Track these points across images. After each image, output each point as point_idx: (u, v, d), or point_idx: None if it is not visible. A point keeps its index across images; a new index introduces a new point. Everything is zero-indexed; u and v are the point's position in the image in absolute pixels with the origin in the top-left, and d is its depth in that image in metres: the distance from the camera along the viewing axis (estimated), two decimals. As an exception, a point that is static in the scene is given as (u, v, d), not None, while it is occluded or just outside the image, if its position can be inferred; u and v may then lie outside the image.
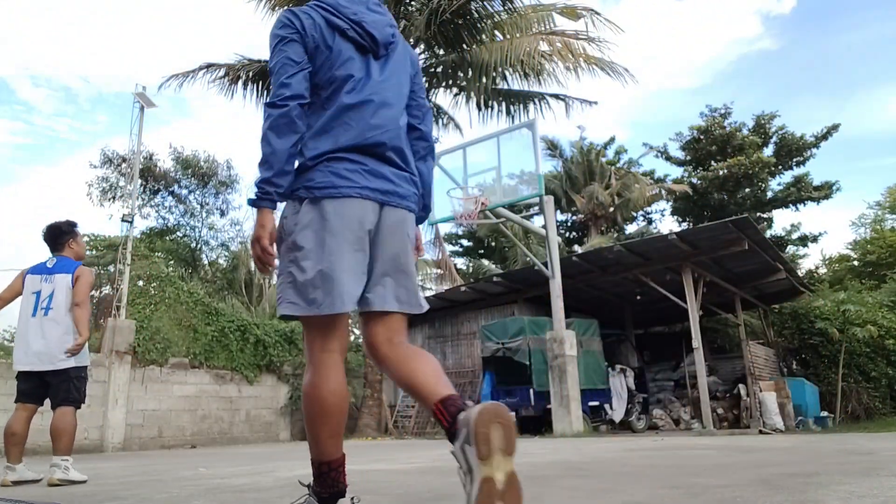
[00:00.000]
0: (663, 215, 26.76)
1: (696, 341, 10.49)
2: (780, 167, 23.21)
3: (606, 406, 11.01)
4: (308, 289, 1.64)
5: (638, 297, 13.17)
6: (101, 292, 11.43)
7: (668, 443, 6.17)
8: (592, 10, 12.28)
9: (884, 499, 1.88)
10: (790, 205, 23.42)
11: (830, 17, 56.45)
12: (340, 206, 1.67)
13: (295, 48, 1.74)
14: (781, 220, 26.14)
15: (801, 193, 22.91)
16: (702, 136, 23.50)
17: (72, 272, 4.15)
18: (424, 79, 14.09)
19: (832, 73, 54.97)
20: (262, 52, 17.53)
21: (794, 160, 23.40)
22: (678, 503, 2.01)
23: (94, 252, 17.34)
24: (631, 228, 25.75)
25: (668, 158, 25.31)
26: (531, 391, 10.34)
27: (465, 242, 27.30)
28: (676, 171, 25.60)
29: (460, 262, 26.04)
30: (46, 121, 54.19)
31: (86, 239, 17.55)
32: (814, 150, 23.16)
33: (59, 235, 4.29)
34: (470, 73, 12.74)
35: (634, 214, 25.22)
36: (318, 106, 1.76)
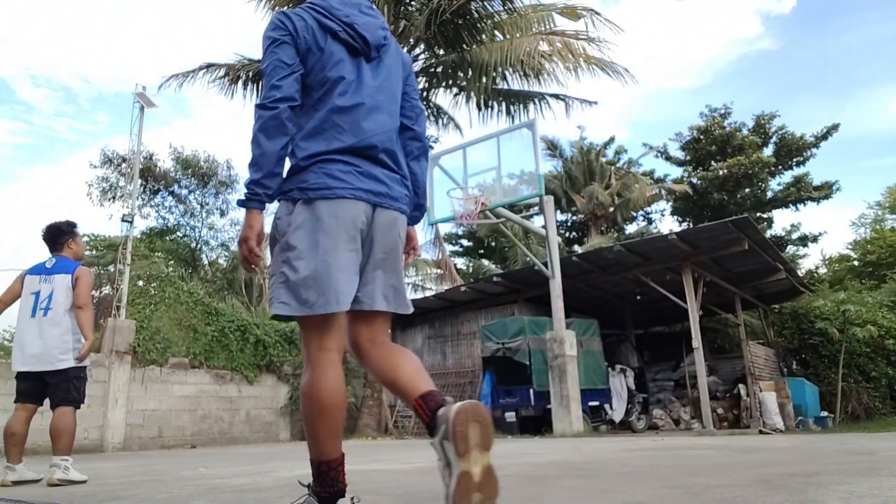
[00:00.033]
0: (663, 215, 26.81)
1: (696, 341, 10.49)
2: (779, 167, 23.21)
3: (606, 406, 11.01)
4: (300, 289, 1.65)
5: (638, 297, 13.17)
6: (101, 292, 11.43)
7: (668, 443, 6.17)
8: (592, 10, 12.30)
9: (884, 499, 1.88)
10: (790, 205, 23.42)
11: (830, 17, 56.49)
12: (334, 207, 1.69)
13: (287, 50, 1.76)
14: (781, 220, 26.18)
15: (801, 193, 22.91)
16: (702, 137, 23.51)
17: (71, 272, 4.15)
18: (424, 79, 14.14)
19: (832, 73, 55.01)
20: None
21: (794, 160, 23.40)
22: (678, 503, 2.00)
23: (94, 252, 17.34)
24: (631, 228, 25.77)
25: (668, 158, 25.32)
26: (531, 391, 10.34)
27: (465, 242, 27.31)
28: (676, 171, 25.64)
29: (460, 262, 26.04)
30: (46, 121, 54.22)
31: (86, 239, 17.63)
32: (814, 150, 23.17)
33: (58, 235, 4.29)
34: (470, 73, 12.75)
35: (634, 214, 25.23)
36: (309, 107, 1.78)
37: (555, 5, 13.00)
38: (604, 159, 25.06)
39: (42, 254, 4.35)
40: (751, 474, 2.78)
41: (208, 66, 13.59)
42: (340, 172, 1.72)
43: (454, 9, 11.32)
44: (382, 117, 1.84)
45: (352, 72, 1.81)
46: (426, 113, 14.87)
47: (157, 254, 17.51)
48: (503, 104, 13.69)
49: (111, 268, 13.69)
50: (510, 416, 10.62)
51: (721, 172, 22.25)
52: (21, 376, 4.03)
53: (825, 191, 22.91)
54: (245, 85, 13.52)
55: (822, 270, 23.80)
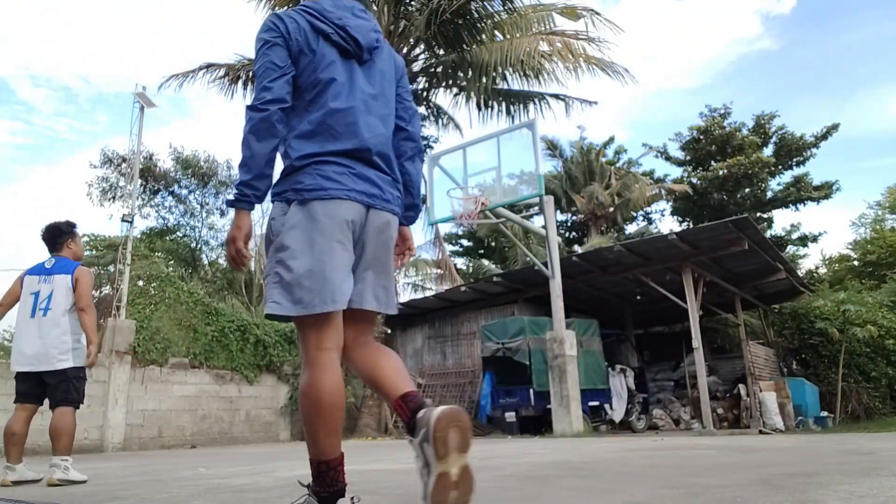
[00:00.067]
0: (663, 215, 26.81)
1: (696, 341, 10.49)
2: (779, 167, 23.21)
3: (606, 406, 11.01)
4: (294, 288, 1.66)
5: (638, 297, 13.17)
6: (101, 292, 11.43)
7: (668, 443, 6.17)
8: (592, 10, 12.30)
9: (884, 499, 1.88)
10: (790, 205, 23.42)
11: (830, 17, 56.51)
12: (329, 207, 1.70)
13: (278, 52, 1.77)
14: (781, 220, 26.19)
15: (800, 193, 22.91)
16: (701, 137, 23.51)
17: (71, 273, 4.15)
18: (424, 79, 14.13)
19: (832, 73, 55.03)
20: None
21: (794, 160, 23.40)
22: (678, 503, 2.00)
23: (94, 252, 17.33)
24: (631, 228, 25.76)
25: (668, 158, 25.33)
26: (531, 391, 10.34)
27: (465, 242, 27.30)
28: (676, 171, 25.65)
29: (460, 262, 26.04)
30: (46, 121, 54.23)
31: (86, 239, 17.63)
32: (814, 150, 23.18)
33: (58, 235, 4.29)
34: (470, 73, 12.74)
35: (634, 214, 25.23)
36: (301, 108, 1.80)
37: (555, 5, 13.00)
38: (604, 159, 25.06)
39: (42, 254, 4.36)
40: (751, 474, 2.78)
41: (208, 66, 13.59)
42: (335, 174, 1.73)
43: (454, 9, 11.32)
44: (376, 120, 1.86)
45: (344, 74, 1.83)
46: (426, 113, 14.89)
47: (157, 254, 17.50)
48: (503, 104, 13.69)
49: (111, 268, 13.68)
50: (510, 416, 10.62)
51: (721, 172, 22.25)
52: (20, 377, 4.03)
53: (825, 191, 22.91)
54: (245, 85, 13.52)
55: (822, 270, 23.81)
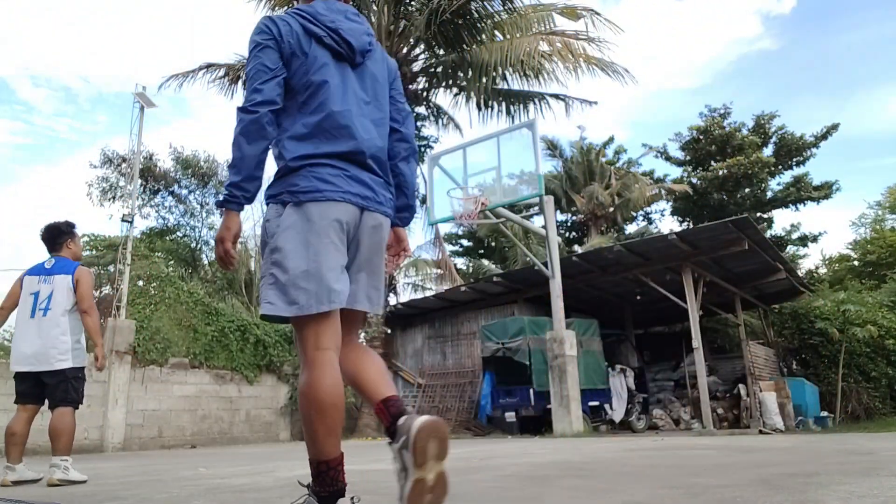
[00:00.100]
0: (663, 215, 26.80)
1: (696, 341, 10.49)
2: (779, 167, 23.20)
3: (606, 406, 11.01)
4: (290, 289, 1.67)
5: (638, 297, 13.17)
6: (101, 292, 11.43)
7: (668, 443, 6.17)
8: (592, 10, 12.32)
9: (884, 499, 1.88)
10: (790, 205, 23.41)
11: (830, 17, 56.53)
12: (325, 209, 1.72)
13: (269, 54, 1.79)
14: (781, 220, 26.17)
15: (800, 193, 22.91)
16: (701, 137, 23.50)
17: (71, 273, 4.15)
18: (424, 79, 14.14)
19: (832, 73, 55.05)
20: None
21: (794, 160, 23.40)
22: (678, 503, 2.00)
23: (94, 252, 17.34)
24: (631, 228, 25.75)
25: (668, 158, 25.32)
26: (531, 391, 10.34)
27: (465, 242, 27.30)
28: (676, 171, 25.64)
29: (460, 262, 26.03)
30: (46, 121, 54.24)
31: (85, 239, 17.63)
32: (813, 150, 23.17)
33: (57, 235, 4.29)
34: (470, 73, 12.75)
35: (634, 214, 25.22)
36: (294, 109, 1.81)
37: (555, 5, 13.01)
38: (604, 159, 25.06)
39: (42, 254, 4.36)
40: (751, 474, 2.78)
41: (208, 66, 13.60)
42: (330, 176, 1.75)
43: (454, 9, 11.32)
44: (369, 123, 1.88)
45: (336, 77, 1.84)
46: (426, 113, 14.89)
47: (157, 254, 17.51)
48: (503, 104, 13.70)
49: (111, 268, 13.68)
50: (510, 416, 10.62)
51: (721, 172, 22.25)
52: (19, 377, 4.03)
53: (825, 191, 22.91)
54: (245, 85, 13.52)
55: (822, 270, 23.80)
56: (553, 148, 24.92)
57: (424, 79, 14.17)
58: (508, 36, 12.74)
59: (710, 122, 23.57)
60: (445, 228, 22.58)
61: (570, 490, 2.50)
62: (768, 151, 23.33)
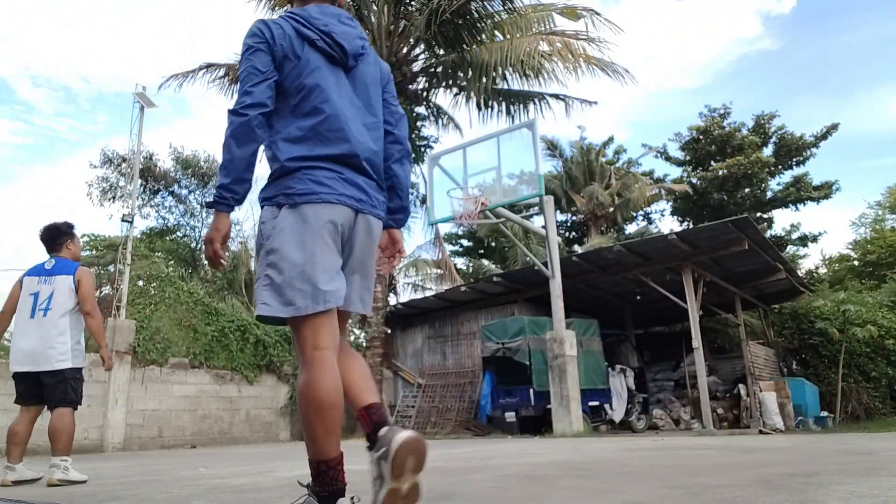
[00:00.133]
0: (663, 215, 26.80)
1: (696, 341, 10.49)
2: (779, 167, 23.19)
3: (606, 406, 11.01)
4: (286, 290, 1.69)
5: (638, 297, 13.17)
6: (101, 292, 11.42)
7: (668, 443, 6.17)
8: (592, 10, 12.32)
9: (884, 499, 1.88)
10: (790, 205, 23.41)
11: (830, 17, 56.53)
12: (320, 210, 1.74)
13: (261, 57, 1.80)
14: (781, 220, 26.16)
15: (800, 193, 22.90)
16: (701, 137, 23.50)
17: (72, 273, 4.15)
18: (424, 79, 14.14)
19: (832, 73, 55.04)
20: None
21: (794, 160, 23.39)
22: (678, 503, 2.00)
23: (94, 252, 17.33)
24: (631, 228, 25.75)
25: (668, 158, 25.32)
26: (531, 391, 10.34)
27: (465, 242, 27.29)
28: (676, 171, 25.64)
29: (460, 262, 26.02)
30: (46, 121, 54.24)
31: (85, 239, 17.63)
32: (813, 150, 23.16)
33: (57, 236, 4.29)
34: (470, 73, 12.75)
35: (634, 214, 25.21)
36: (286, 112, 1.83)
37: (555, 5, 13.01)
38: (603, 159, 25.05)
39: (42, 254, 4.36)
40: (751, 474, 2.78)
41: (208, 66, 13.61)
42: (326, 178, 1.76)
43: (454, 9, 11.32)
44: (363, 126, 1.89)
45: (329, 80, 1.86)
46: (426, 113, 14.88)
47: (157, 254, 17.49)
48: (503, 104, 13.70)
49: (111, 268, 13.68)
50: (510, 416, 10.62)
51: (721, 172, 22.25)
52: (18, 377, 4.03)
53: (825, 191, 22.90)
54: (242, 86, 13.52)
55: (822, 270, 23.78)
56: (553, 148, 24.92)
57: (424, 79, 14.16)
58: (508, 36, 12.74)
59: (709, 122, 23.57)
60: (445, 228, 22.60)
61: (570, 490, 2.50)
62: (768, 151, 23.33)
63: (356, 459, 2.25)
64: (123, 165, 17.29)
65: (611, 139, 26.56)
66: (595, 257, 11.78)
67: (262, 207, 1.81)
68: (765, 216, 23.58)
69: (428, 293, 17.50)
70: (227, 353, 11.61)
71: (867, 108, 56.37)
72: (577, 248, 22.38)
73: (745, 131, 23.41)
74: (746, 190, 22.72)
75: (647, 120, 65.90)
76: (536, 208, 11.18)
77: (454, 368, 13.65)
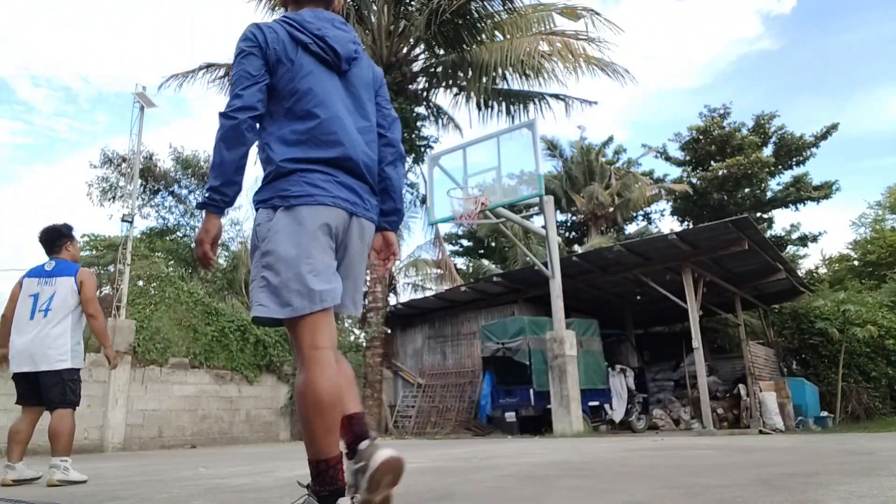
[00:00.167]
0: (663, 215, 26.79)
1: (696, 341, 10.49)
2: (779, 167, 23.20)
3: (606, 406, 11.01)
4: (283, 291, 1.70)
5: (638, 297, 13.17)
6: (101, 292, 11.42)
7: (668, 443, 6.17)
8: (592, 10, 12.33)
9: (884, 499, 1.88)
10: (790, 205, 23.41)
11: (830, 17, 56.54)
12: (315, 212, 1.75)
13: (253, 61, 1.82)
14: (781, 220, 26.17)
15: (800, 193, 22.90)
16: (701, 137, 23.51)
17: (74, 275, 4.15)
18: (424, 79, 14.14)
19: (832, 73, 55.05)
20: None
21: (794, 160, 23.39)
22: (678, 503, 2.00)
23: (93, 252, 17.32)
24: (631, 228, 25.75)
25: (668, 158, 25.32)
26: (531, 391, 10.34)
27: (465, 242, 27.29)
28: (676, 172, 25.64)
29: (460, 262, 26.02)
30: (46, 121, 54.23)
31: (85, 239, 17.61)
32: (813, 150, 23.17)
33: (57, 238, 4.30)
34: (470, 73, 12.75)
35: (634, 214, 25.21)
36: (279, 114, 1.84)
37: (555, 5, 13.02)
38: (603, 159, 25.05)
39: (43, 255, 4.36)
40: (751, 474, 2.78)
41: (208, 66, 13.61)
42: (321, 181, 1.78)
43: (454, 9, 11.32)
44: (355, 130, 1.91)
45: (322, 83, 1.87)
46: (426, 113, 14.87)
47: (157, 254, 17.48)
48: (503, 104, 13.70)
49: (111, 268, 13.68)
50: (510, 416, 10.62)
51: (720, 172, 22.25)
52: (17, 378, 4.03)
53: (825, 191, 22.90)
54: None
55: (822, 270, 23.78)
56: (553, 148, 24.92)
57: (424, 79, 14.16)
58: (508, 36, 12.74)
59: (709, 122, 23.57)
60: (445, 228, 22.60)
61: (570, 490, 2.50)
62: (768, 151, 23.33)
63: (356, 459, 2.26)
64: (123, 165, 17.29)
65: (611, 139, 26.57)
66: (595, 257, 11.78)
67: (256, 210, 1.82)
68: (765, 216, 23.58)
69: (428, 293, 17.50)
70: (227, 353, 11.61)
71: (867, 108, 56.41)
72: (577, 248, 22.39)
73: (744, 131, 23.41)
74: (746, 190, 22.72)
75: (647, 120, 65.95)
76: (536, 208, 11.18)
77: (454, 368, 13.65)
